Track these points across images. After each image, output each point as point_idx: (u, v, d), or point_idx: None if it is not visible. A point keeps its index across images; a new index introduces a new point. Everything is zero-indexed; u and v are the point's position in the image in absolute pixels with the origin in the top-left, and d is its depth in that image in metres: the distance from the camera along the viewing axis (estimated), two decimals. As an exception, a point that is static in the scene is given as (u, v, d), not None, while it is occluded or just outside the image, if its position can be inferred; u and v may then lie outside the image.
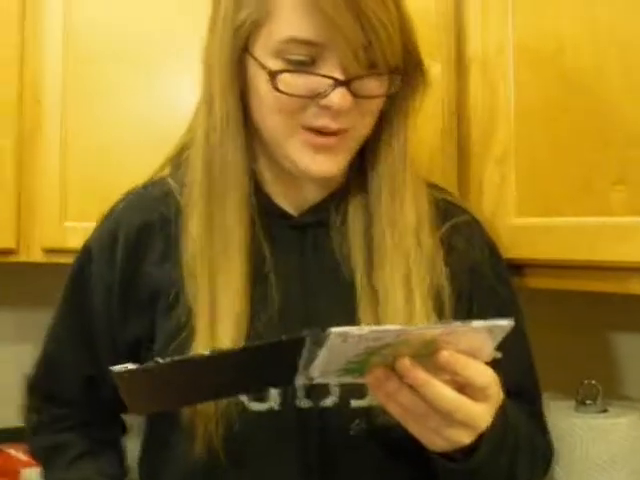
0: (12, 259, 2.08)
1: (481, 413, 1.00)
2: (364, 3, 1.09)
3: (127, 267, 1.25)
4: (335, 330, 0.89)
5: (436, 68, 1.54)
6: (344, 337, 0.89)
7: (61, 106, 2.03)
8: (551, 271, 1.43)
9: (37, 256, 2.08)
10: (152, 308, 1.24)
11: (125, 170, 1.92)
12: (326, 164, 1.17)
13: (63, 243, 2.01)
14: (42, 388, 1.41)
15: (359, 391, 1.17)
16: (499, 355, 0.99)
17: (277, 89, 1.12)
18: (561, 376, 1.56)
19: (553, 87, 1.39)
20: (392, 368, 0.96)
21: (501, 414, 1.04)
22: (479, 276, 1.28)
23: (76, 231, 1.98)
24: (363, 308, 1.19)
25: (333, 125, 1.15)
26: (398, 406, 0.99)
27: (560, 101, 1.37)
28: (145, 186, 1.32)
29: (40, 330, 2.44)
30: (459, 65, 1.54)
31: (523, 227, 1.44)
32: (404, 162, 1.24)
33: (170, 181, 1.28)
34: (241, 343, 1.15)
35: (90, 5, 2.03)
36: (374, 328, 0.92)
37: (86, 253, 1.33)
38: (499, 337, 0.96)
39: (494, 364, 0.99)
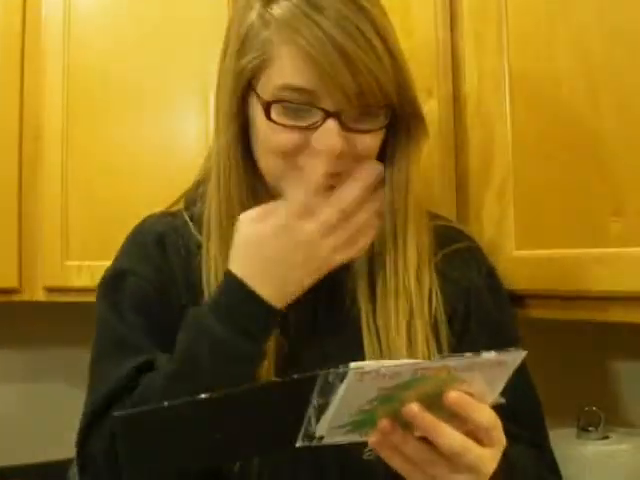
0: (15, 298, 2.09)
1: (487, 457, 0.98)
2: (355, 53, 1.12)
3: (164, 274, 1.26)
4: (353, 365, 0.89)
5: (433, 103, 1.57)
6: (361, 374, 0.89)
7: (61, 143, 2.06)
8: (551, 302, 1.44)
9: (40, 295, 2.10)
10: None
11: (127, 207, 1.94)
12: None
13: (65, 282, 2.04)
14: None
15: None
16: (502, 400, 0.99)
17: (270, 118, 1.16)
18: (562, 403, 1.57)
19: (549, 121, 1.41)
20: (396, 419, 0.95)
21: (503, 461, 1.02)
22: (476, 301, 1.30)
23: (78, 270, 2.01)
24: (368, 347, 1.22)
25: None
26: (403, 459, 0.98)
27: (556, 135, 1.40)
28: (163, 214, 1.35)
29: (43, 369, 2.47)
30: (456, 101, 1.57)
31: (522, 259, 1.46)
32: (405, 207, 1.26)
33: (185, 215, 1.31)
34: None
35: (90, 39, 2.06)
36: (391, 362, 0.92)
37: (116, 273, 1.30)
38: (512, 368, 0.96)
39: (496, 409, 1.00)
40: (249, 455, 1.04)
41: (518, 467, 1.14)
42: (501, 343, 1.11)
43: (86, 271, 1.99)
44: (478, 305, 1.30)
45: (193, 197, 1.33)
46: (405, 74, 1.21)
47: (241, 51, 1.20)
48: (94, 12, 2.07)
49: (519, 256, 1.46)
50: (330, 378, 0.90)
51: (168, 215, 1.34)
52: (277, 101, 1.16)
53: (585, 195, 1.36)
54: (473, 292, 1.30)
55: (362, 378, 0.89)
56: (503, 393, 0.99)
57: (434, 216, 1.35)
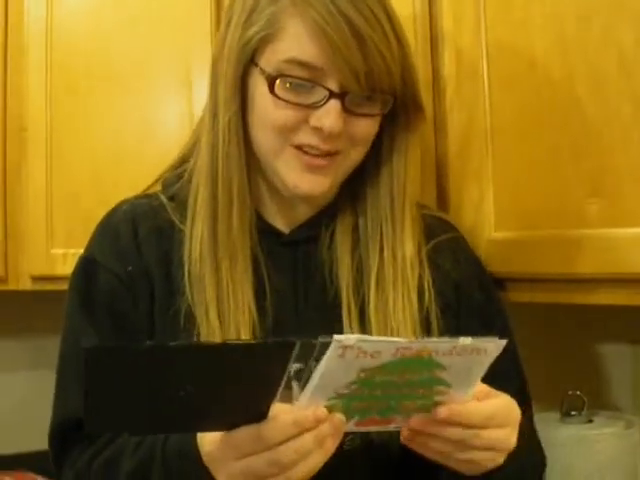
0: (1, 287, 2.08)
1: (501, 437, 1.04)
2: (367, 33, 1.12)
3: (134, 265, 1.25)
4: (336, 337, 0.89)
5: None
6: (344, 347, 0.89)
7: (46, 133, 2.04)
8: (531, 284, 1.44)
9: (26, 284, 2.09)
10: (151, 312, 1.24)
11: (111, 194, 1.91)
12: (313, 183, 1.20)
13: (51, 270, 2.02)
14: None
15: None
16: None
17: (273, 92, 1.15)
18: (546, 388, 1.57)
19: (526, 103, 1.41)
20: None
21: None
22: (466, 294, 1.30)
23: (64, 258, 2.00)
24: (349, 327, 1.21)
25: (323, 146, 1.17)
26: (434, 450, 1.04)
27: (533, 117, 1.40)
28: (138, 198, 1.33)
29: (29, 357, 2.47)
30: (435, 85, 1.56)
31: (502, 241, 1.45)
32: (404, 194, 1.26)
33: (162, 197, 1.30)
34: None
35: (73, 31, 2.04)
36: (373, 338, 0.93)
37: (88, 262, 1.30)
38: (492, 357, 0.97)
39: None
40: (218, 425, 0.97)
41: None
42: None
43: (71, 259, 1.94)
44: (468, 301, 1.30)
45: (171, 177, 1.32)
46: (411, 62, 1.22)
47: (248, 22, 1.18)
48: (77, 4, 2.06)
49: (498, 238, 1.46)
50: (310, 347, 0.90)
51: (143, 197, 1.33)
52: (282, 75, 1.15)
53: (562, 176, 1.35)
54: (463, 285, 1.30)
55: (343, 355, 0.89)
56: (491, 380, 1.02)
57: (419, 205, 1.35)
